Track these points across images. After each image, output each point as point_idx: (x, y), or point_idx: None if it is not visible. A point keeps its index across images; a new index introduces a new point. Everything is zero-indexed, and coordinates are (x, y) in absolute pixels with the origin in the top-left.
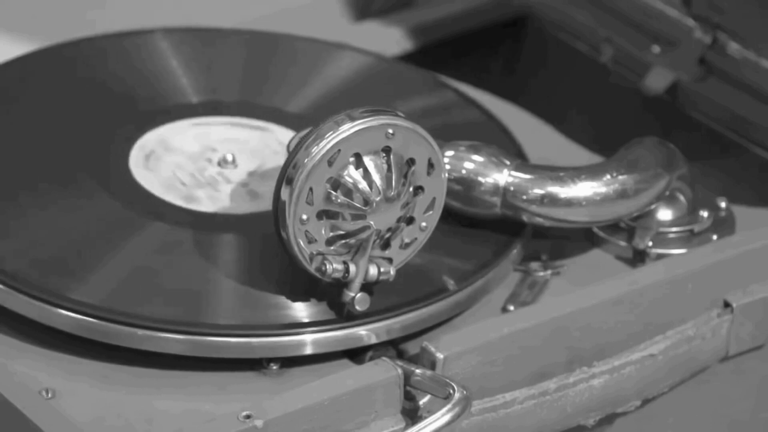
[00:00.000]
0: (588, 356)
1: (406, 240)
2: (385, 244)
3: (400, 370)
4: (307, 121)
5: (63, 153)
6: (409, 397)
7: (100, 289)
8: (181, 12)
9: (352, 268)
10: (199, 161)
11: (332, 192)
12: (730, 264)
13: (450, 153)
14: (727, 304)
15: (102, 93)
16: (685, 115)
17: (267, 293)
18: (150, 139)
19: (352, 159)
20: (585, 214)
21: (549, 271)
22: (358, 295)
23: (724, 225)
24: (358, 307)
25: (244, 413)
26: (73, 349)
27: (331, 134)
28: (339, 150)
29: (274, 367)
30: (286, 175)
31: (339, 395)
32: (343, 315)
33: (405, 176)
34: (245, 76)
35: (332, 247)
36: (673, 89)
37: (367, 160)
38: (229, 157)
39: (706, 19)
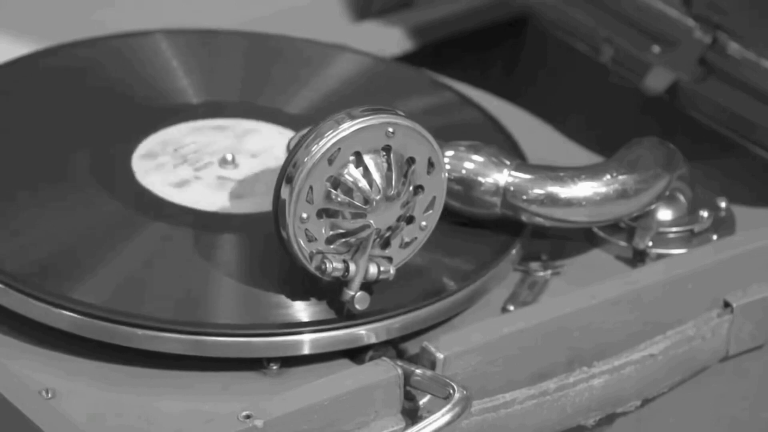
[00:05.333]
0: (588, 356)
1: (406, 239)
2: (385, 243)
3: (400, 370)
4: (307, 122)
5: (63, 153)
6: (409, 397)
7: (100, 288)
8: (181, 12)
9: (352, 266)
10: (199, 161)
11: (332, 191)
12: (730, 264)
13: (450, 153)
14: (727, 304)
15: (102, 94)
16: (685, 115)
17: (267, 293)
18: (150, 140)
19: (352, 158)
20: (585, 214)
21: (549, 271)
22: (358, 294)
23: (724, 225)
24: (357, 306)
25: (244, 413)
26: (73, 349)
27: (331, 133)
28: (339, 148)
29: (274, 367)
30: (286, 174)
31: (339, 395)
32: (343, 314)
33: (405, 175)
34: (245, 76)
35: (332, 246)
36: (673, 89)
37: (368, 159)
38: (229, 157)
39: (706, 19)
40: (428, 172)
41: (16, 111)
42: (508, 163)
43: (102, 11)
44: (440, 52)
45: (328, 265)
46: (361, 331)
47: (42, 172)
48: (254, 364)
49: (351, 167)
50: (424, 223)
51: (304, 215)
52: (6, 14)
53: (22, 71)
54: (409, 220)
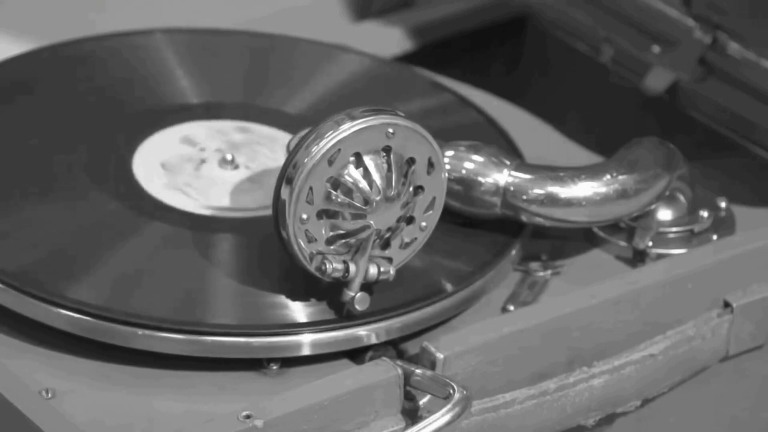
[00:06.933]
0: (588, 356)
1: (406, 240)
2: (385, 244)
3: (400, 370)
4: (307, 122)
5: (63, 153)
6: (409, 397)
7: (100, 288)
8: (180, 12)
9: (352, 267)
10: (198, 161)
11: (332, 191)
12: (730, 264)
13: (450, 153)
14: (727, 304)
15: (101, 93)
16: (685, 115)
17: (267, 293)
18: (149, 140)
19: (352, 158)
20: (585, 214)
21: (549, 271)
22: (358, 294)
23: (724, 225)
24: (358, 307)
25: (244, 413)
26: (73, 349)
27: (332, 134)
28: (339, 149)
29: (274, 367)
30: (286, 175)
31: (339, 395)
32: (343, 315)
33: (405, 176)
34: (245, 77)
35: (332, 247)
36: (673, 89)
37: (367, 160)
38: (229, 157)
39: (706, 19)
40: (428, 173)
41: (15, 110)
42: (508, 163)
43: (101, 10)
44: (440, 52)
45: (328, 266)
46: (362, 331)
47: (41, 171)
48: (254, 364)
49: (351, 168)
50: (424, 224)
51: (304, 216)
52: (6, 14)
53: (20, 70)
54: (409, 220)
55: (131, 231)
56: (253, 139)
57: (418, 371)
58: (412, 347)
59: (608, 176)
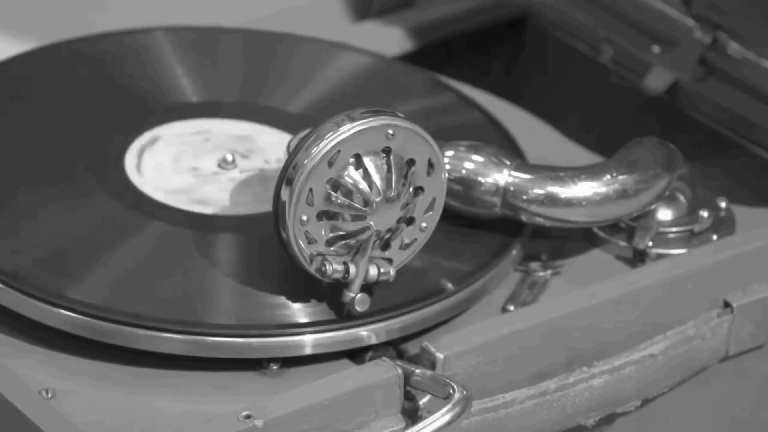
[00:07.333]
0: (588, 356)
1: (406, 240)
2: (385, 245)
3: (400, 370)
4: (307, 122)
5: (62, 152)
6: (409, 397)
7: (100, 288)
8: (181, 12)
9: (352, 268)
10: (198, 161)
11: (332, 193)
12: (730, 264)
13: (450, 153)
14: (727, 304)
15: (101, 92)
16: (685, 115)
17: (267, 293)
18: (149, 139)
19: (352, 160)
20: (585, 214)
21: (549, 271)
22: (358, 295)
23: (724, 225)
24: (358, 308)
25: (244, 413)
26: (73, 349)
27: (331, 135)
28: (339, 151)
29: (274, 367)
30: (286, 176)
31: (339, 395)
32: (343, 315)
33: (405, 177)
34: (245, 75)
35: (332, 248)
36: (673, 89)
37: (367, 161)
38: (229, 157)
39: (706, 19)
40: (428, 174)
41: (15, 109)
42: (508, 163)
43: (101, 10)
44: (440, 52)
45: (328, 267)
46: (362, 331)
47: (41, 170)
48: (254, 364)
49: (351, 169)
50: (424, 225)
51: (304, 217)
52: (6, 14)
53: (20, 69)
54: (409, 221)
55: (131, 230)
56: (252, 138)
57: (418, 371)
58: (412, 347)
59: (608, 176)
